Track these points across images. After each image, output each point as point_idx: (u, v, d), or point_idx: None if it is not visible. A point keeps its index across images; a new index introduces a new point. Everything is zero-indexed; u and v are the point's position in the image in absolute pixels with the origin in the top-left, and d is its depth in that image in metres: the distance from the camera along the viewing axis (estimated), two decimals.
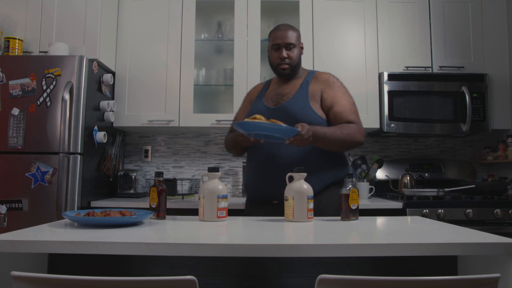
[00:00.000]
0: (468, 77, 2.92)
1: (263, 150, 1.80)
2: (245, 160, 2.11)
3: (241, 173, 3.15)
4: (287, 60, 1.89)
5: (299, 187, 1.40)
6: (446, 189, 2.69)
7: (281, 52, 1.89)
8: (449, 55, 2.98)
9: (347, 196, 1.44)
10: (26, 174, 2.34)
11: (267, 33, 3.12)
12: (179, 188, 3.00)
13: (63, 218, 1.43)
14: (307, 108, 1.81)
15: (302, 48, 1.98)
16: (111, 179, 2.84)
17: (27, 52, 2.67)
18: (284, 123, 1.63)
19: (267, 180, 1.76)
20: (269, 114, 1.77)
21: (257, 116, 1.60)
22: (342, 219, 1.44)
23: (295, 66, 1.93)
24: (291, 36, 1.91)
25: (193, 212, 2.35)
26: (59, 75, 2.41)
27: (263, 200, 1.81)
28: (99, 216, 1.27)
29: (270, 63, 1.97)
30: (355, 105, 1.88)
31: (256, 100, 1.99)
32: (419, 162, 3.17)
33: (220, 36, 3.14)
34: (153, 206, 1.42)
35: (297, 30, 1.97)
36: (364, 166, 2.93)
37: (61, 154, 2.34)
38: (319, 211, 1.60)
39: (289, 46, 1.90)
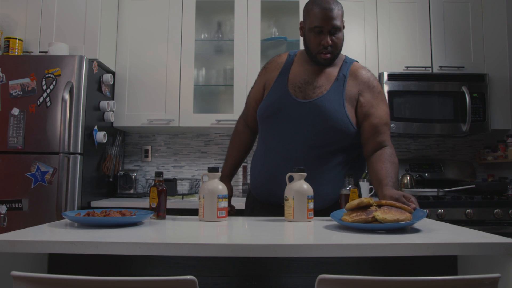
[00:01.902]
0: (468, 77, 2.92)
1: (280, 155, 1.57)
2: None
3: (241, 173, 3.15)
4: (330, 48, 1.53)
5: (299, 187, 1.40)
6: (446, 189, 2.69)
7: (324, 38, 1.51)
8: (449, 55, 2.99)
9: (347, 196, 1.44)
10: (26, 174, 2.35)
11: (267, 33, 3.15)
12: (179, 188, 3.00)
13: (63, 218, 1.43)
14: (341, 112, 1.52)
15: (344, 27, 1.59)
16: (111, 179, 2.84)
17: (27, 52, 2.67)
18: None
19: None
20: (297, 109, 1.54)
21: (365, 200, 1.22)
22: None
23: (338, 54, 1.59)
24: (337, 16, 1.51)
25: (193, 212, 2.35)
26: (59, 75, 2.41)
27: (274, 202, 1.59)
28: (99, 216, 1.26)
29: (306, 48, 1.60)
30: (389, 115, 1.61)
31: (278, 83, 1.61)
32: (419, 162, 3.17)
33: (220, 36, 3.15)
34: (153, 206, 1.42)
35: (340, 5, 1.57)
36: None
37: (61, 154, 2.34)
38: None
39: (334, 30, 1.52)
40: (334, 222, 1.36)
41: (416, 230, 1.19)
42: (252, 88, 1.77)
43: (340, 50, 1.59)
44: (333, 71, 1.60)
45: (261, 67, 1.80)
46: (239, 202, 2.19)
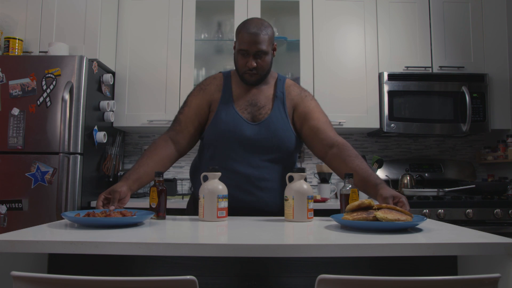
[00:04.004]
0: (468, 77, 2.92)
1: (240, 174, 1.59)
2: None
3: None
4: (254, 71, 1.61)
5: (299, 187, 1.40)
6: (446, 189, 2.69)
7: (249, 60, 1.59)
8: (449, 55, 2.99)
9: (347, 196, 1.44)
10: (26, 174, 2.35)
11: None
12: (179, 188, 3.00)
13: (63, 218, 1.43)
14: (288, 127, 1.64)
15: (275, 49, 1.67)
16: (111, 179, 2.84)
17: (27, 52, 2.67)
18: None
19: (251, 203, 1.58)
20: (249, 130, 1.61)
21: (366, 201, 1.25)
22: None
23: (265, 75, 1.66)
24: (263, 41, 1.58)
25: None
26: (59, 75, 2.41)
27: (241, 209, 1.60)
28: (100, 216, 1.26)
29: (235, 66, 1.68)
30: (326, 116, 1.69)
31: (225, 105, 1.65)
32: (419, 162, 3.17)
33: (220, 36, 3.15)
34: (153, 206, 1.41)
35: (270, 29, 1.62)
36: None
37: (61, 154, 2.34)
38: None
39: (259, 54, 1.59)
40: (334, 222, 1.36)
41: (416, 230, 1.19)
42: (186, 106, 1.71)
43: (267, 71, 1.66)
44: (269, 90, 1.70)
45: (196, 87, 1.76)
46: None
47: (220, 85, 1.71)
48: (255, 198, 1.59)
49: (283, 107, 1.67)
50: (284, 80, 1.74)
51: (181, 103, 2.83)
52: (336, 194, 2.99)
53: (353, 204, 1.26)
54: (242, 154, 1.61)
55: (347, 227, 1.25)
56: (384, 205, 1.25)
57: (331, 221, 1.40)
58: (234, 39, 1.69)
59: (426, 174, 3.11)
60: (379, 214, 1.17)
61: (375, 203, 1.26)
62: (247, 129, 1.61)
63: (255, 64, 1.60)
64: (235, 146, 1.61)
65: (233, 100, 1.67)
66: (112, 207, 1.37)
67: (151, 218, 1.42)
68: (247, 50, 1.59)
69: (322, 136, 1.63)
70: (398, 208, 1.24)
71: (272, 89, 1.70)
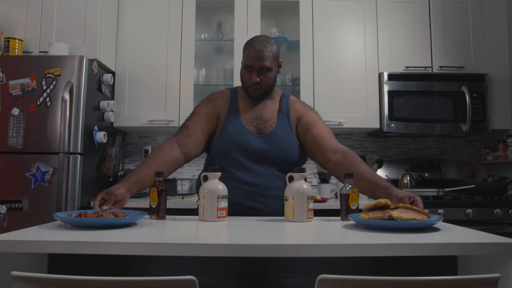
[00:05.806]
0: (468, 77, 2.92)
1: (249, 184, 1.63)
2: None
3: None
4: (258, 85, 1.67)
5: (299, 187, 1.40)
6: (446, 189, 2.69)
7: (253, 75, 1.66)
8: (449, 55, 2.99)
9: (347, 196, 1.44)
10: (26, 174, 2.35)
11: (267, 33, 3.14)
12: (179, 188, 3.01)
13: None
14: (293, 140, 1.70)
15: (280, 66, 1.74)
16: (111, 179, 2.84)
17: (27, 52, 2.67)
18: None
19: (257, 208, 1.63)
20: (256, 142, 1.66)
21: (382, 201, 1.28)
22: (342, 219, 1.44)
23: (268, 90, 1.72)
24: (267, 58, 1.65)
25: (193, 212, 2.34)
26: (59, 75, 2.41)
27: (251, 214, 1.64)
28: (92, 216, 1.23)
29: (241, 80, 1.74)
30: (329, 128, 1.74)
31: (231, 118, 1.71)
32: (419, 162, 3.17)
33: (220, 36, 3.15)
34: (153, 206, 1.42)
35: (275, 47, 1.68)
36: None
37: (61, 154, 2.34)
38: None
39: (263, 70, 1.66)
40: (335, 223, 1.36)
41: (416, 231, 1.19)
42: (195, 114, 1.75)
43: (271, 87, 1.72)
44: (274, 105, 1.77)
45: (204, 100, 1.80)
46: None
47: (227, 99, 1.77)
48: (263, 206, 1.64)
49: (288, 121, 1.73)
50: (289, 96, 1.81)
51: (181, 103, 2.89)
52: (336, 194, 2.99)
53: (369, 203, 1.30)
54: (248, 165, 1.65)
55: (347, 227, 1.25)
56: (401, 204, 1.28)
57: (331, 221, 1.40)
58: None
59: (426, 174, 3.10)
60: (395, 213, 1.20)
61: None
62: (253, 141, 1.67)
63: (258, 79, 1.66)
64: (241, 157, 1.65)
65: (239, 113, 1.73)
66: (105, 207, 1.37)
67: (151, 218, 1.42)
68: (251, 65, 1.66)
69: (324, 142, 1.67)
70: (414, 207, 1.27)
71: (277, 105, 1.77)
